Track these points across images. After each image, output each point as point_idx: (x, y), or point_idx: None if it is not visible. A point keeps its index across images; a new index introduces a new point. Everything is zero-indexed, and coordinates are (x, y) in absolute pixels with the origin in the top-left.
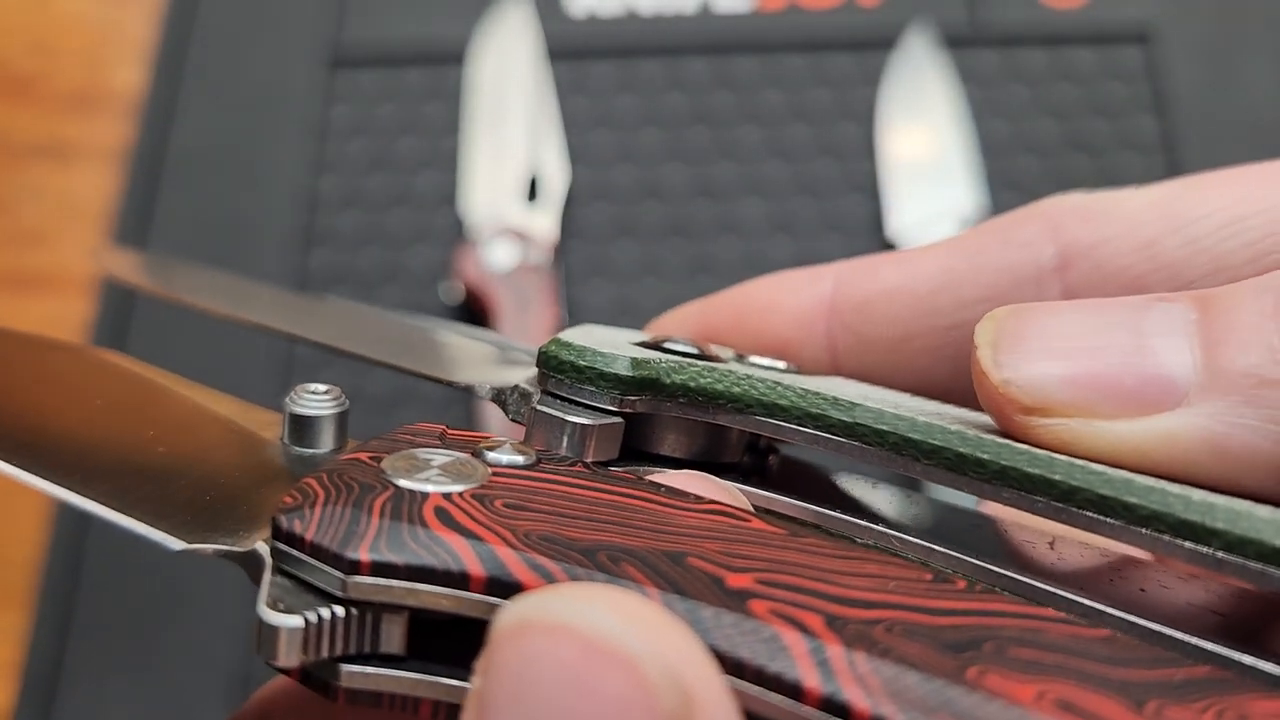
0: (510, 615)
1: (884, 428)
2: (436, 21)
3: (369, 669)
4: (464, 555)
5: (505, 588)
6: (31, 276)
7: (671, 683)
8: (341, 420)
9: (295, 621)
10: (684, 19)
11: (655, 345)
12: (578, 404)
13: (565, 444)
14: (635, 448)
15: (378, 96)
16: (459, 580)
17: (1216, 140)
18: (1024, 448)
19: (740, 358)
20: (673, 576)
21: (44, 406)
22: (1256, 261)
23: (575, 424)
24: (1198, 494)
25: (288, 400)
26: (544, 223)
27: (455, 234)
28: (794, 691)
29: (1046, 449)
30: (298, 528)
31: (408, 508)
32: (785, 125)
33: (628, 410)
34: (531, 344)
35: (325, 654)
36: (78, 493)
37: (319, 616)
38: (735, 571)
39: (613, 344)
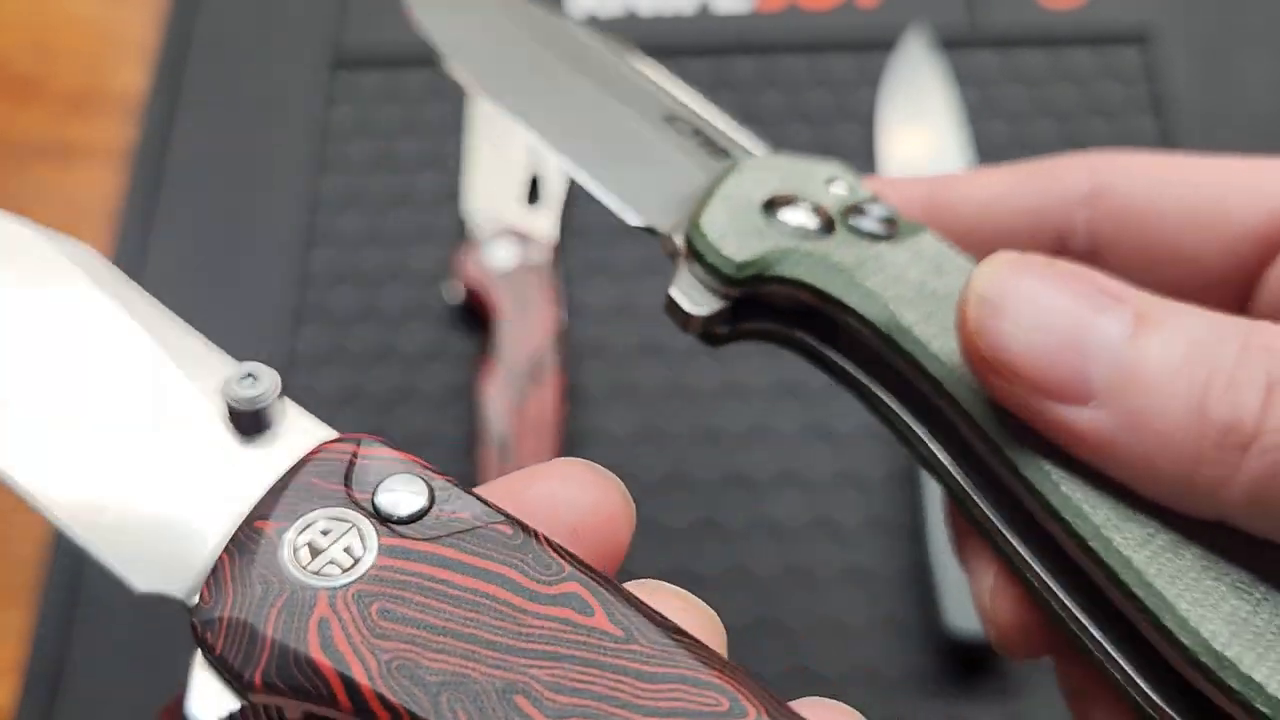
0: None
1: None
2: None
3: None
4: (336, 688)
5: (367, 716)
6: None
7: None
8: (273, 398)
9: (218, 713)
10: (683, 20)
11: (781, 203)
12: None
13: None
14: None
15: (379, 98)
16: (330, 704)
17: (1214, 140)
18: (1048, 469)
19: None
20: None
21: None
22: (1232, 242)
23: (691, 315)
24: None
25: (224, 384)
26: (544, 223)
27: (456, 234)
28: None
29: (995, 397)
30: (209, 638)
31: (295, 623)
32: (784, 125)
33: (735, 295)
34: (531, 345)
35: None
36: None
37: (230, 711)
38: (551, 717)
39: (745, 220)
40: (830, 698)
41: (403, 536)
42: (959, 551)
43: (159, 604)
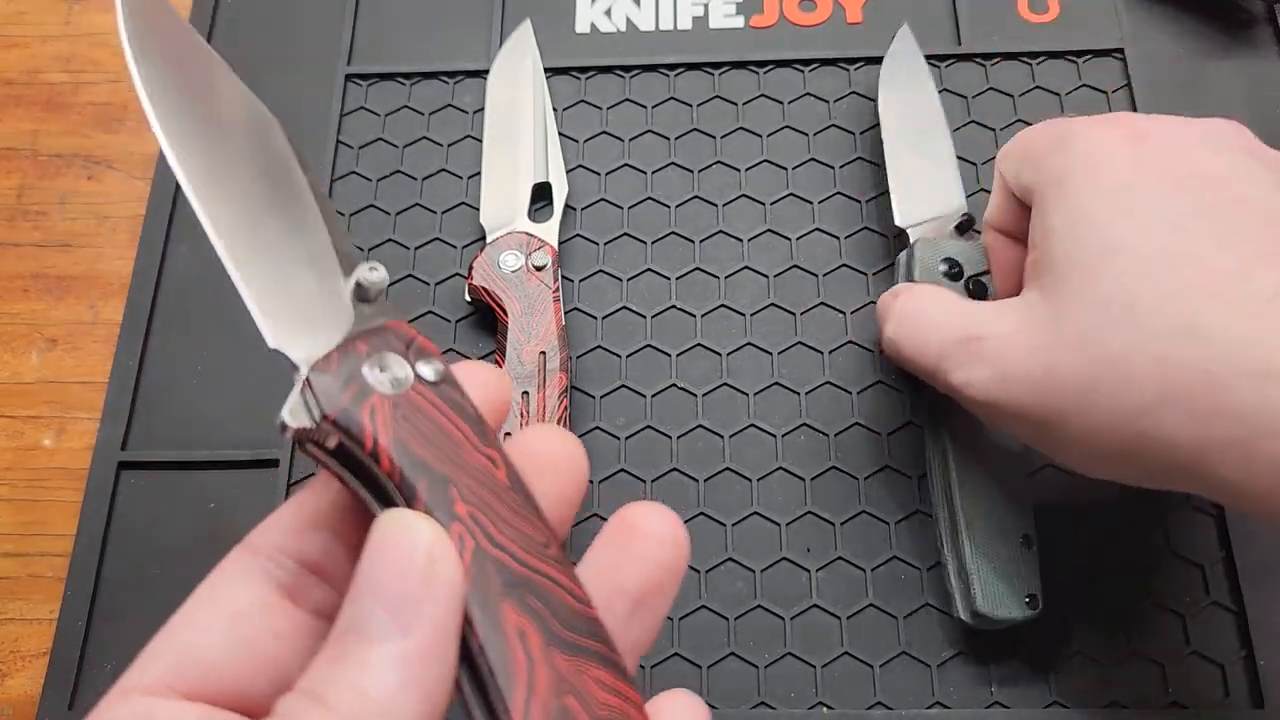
0: (387, 512)
1: None
2: (446, 38)
3: (320, 452)
4: (365, 437)
5: (376, 459)
6: (59, 280)
7: (433, 547)
8: (382, 289)
9: (292, 422)
10: (681, 33)
11: None
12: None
13: None
14: None
15: (391, 107)
16: (360, 445)
17: None
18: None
19: None
20: (435, 493)
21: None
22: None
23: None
24: None
25: (359, 269)
26: (548, 227)
27: (466, 238)
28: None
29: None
30: (313, 383)
31: (360, 398)
32: (776, 133)
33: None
34: (537, 346)
35: (301, 438)
36: (241, 274)
37: (300, 423)
38: (462, 501)
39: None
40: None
41: (426, 386)
42: None
43: (275, 360)
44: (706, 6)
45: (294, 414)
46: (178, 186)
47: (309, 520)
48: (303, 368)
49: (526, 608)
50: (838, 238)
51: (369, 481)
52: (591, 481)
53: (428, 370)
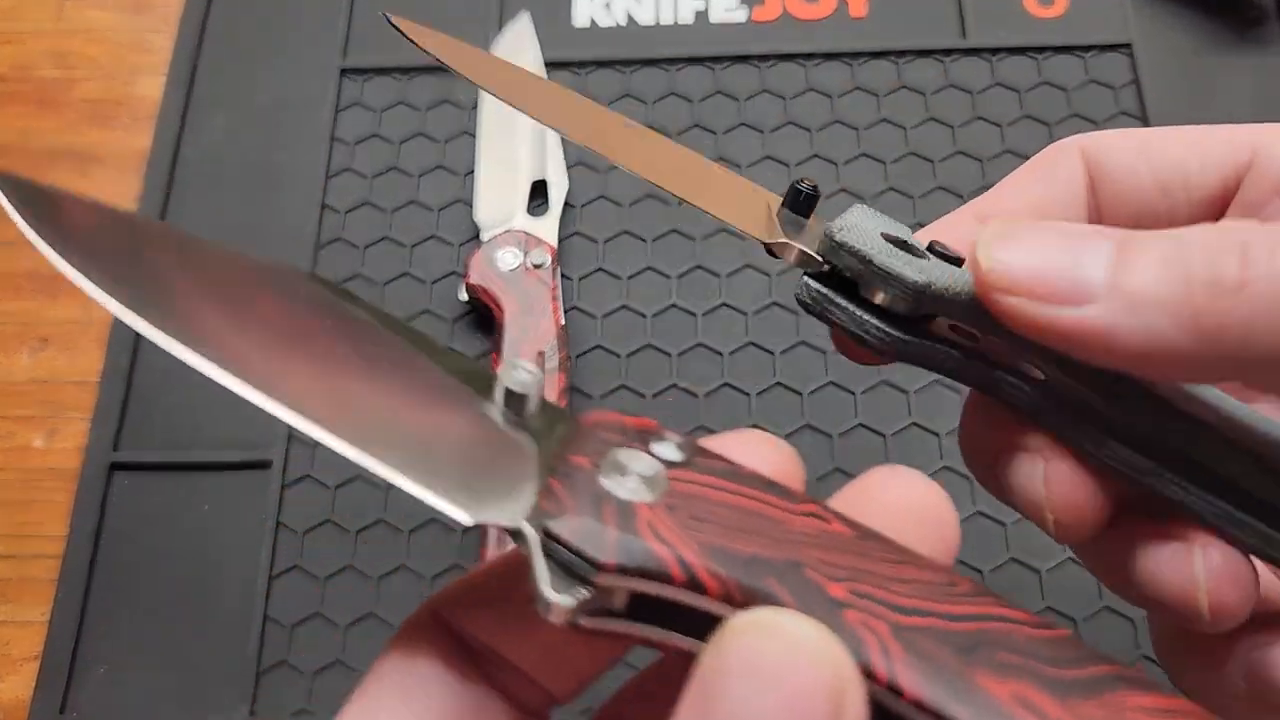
0: (744, 617)
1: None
2: (446, 29)
3: (603, 621)
4: (670, 566)
5: (697, 586)
6: (51, 278)
7: (839, 676)
8: (541, 389)
9: (567, 600)
10: (681, 28)
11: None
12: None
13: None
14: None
15: (388, 103)
16: (668, 580)
17: None
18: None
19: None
20: (799, 589)
21: (286, 340)
22: (1196, 202)
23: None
24: None
25: (501, 374)
26: (547, 225)
27: (462, 236)
28: (869, 675)
29: (1006, 317)
30: (560, 533)
31: (628, 520)
32: (778, 130)
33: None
34: (535, 345)
35: (577, 614)
36: (379, 460)
37: (576, 597)
38: (833, 581)
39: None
40: None
41: (681, 470)
42: (988, 456)
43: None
44: (708, 0)
45: (557, 588)
46: (171, 181)
47: None
48: (528, 529)
49: (1002, 666)
50: None
51: (678, 621)
52: None
53: (668, 449)
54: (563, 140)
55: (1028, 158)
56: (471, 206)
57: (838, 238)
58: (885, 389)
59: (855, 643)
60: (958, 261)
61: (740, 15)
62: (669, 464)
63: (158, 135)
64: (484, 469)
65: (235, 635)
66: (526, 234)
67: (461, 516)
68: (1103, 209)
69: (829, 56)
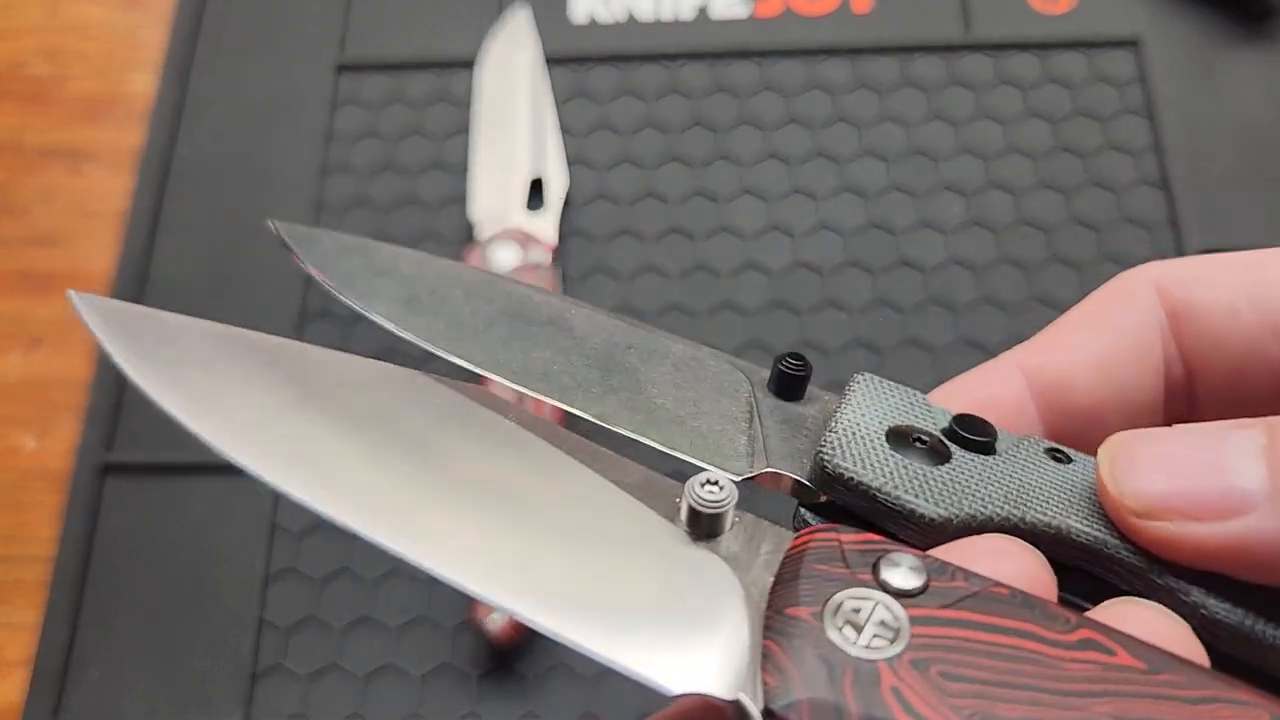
0: None
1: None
2: (441, 27)
3: None
4: None
5: None
6: (43, 277)
7: None
8: (735, 504)
9: None
10: (682, 25)
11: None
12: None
13: None
14: None
15: (384, 101)
16: None
17: (1205, 143)
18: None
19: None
20: None
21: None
22: None
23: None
24: None
25: (687, 490)
26: (545, 224)
27: (459, 235)
28: None
29: (1152, 544)
30: (792, 715)
31: (871, 694)
32: (780, 128)
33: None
34: None
35: None
36: (575, 633)
37: None
38: None
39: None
40: None
41: (922, 606)
42: None
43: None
44: None
45: None
46: (164, 179)
47: None
48: (750, 707)
49: None
50: (843, 235)
51: None
52: None
53: (902, 575)
54: (563, 137)
55: (1032, 155)
56: (468, 204)
57: (831, 469)
58: None
59: None
60: (990, 447)
61: (742, 11)
62: (905, 595)
63: (151, 132)
64: (678, 616)
65: (230, 638)
66: (524, 233)
67: (667, 687)
68: (1190, 361)
69: (831, 53)
